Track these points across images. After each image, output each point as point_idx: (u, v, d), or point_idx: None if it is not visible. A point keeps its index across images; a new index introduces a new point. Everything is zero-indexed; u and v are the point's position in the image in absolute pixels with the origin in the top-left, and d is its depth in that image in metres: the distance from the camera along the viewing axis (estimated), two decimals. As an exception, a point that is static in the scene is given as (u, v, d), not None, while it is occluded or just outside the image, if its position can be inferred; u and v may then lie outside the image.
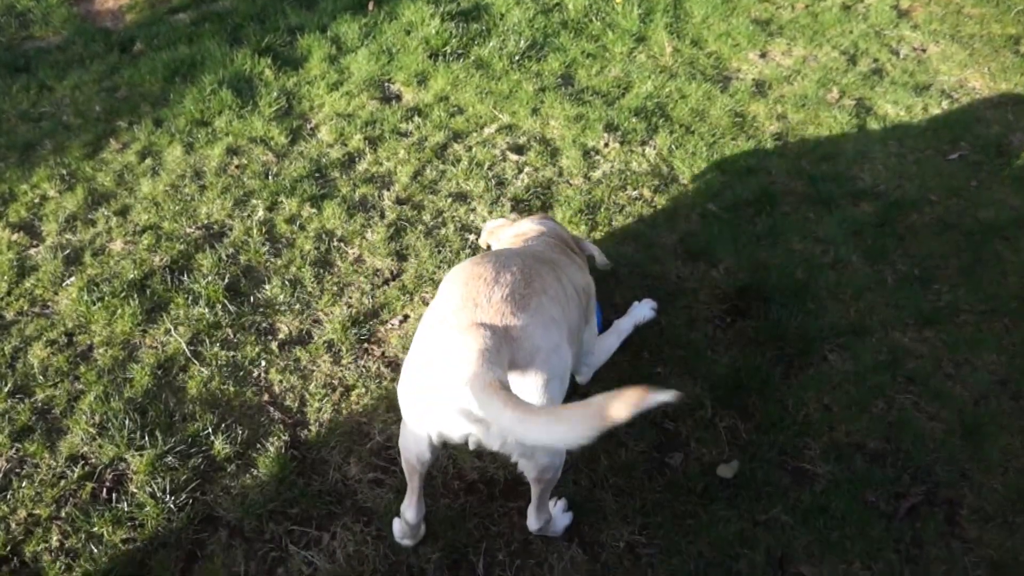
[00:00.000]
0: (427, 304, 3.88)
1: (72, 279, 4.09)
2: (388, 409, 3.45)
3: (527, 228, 3.38)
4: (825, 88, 5.29)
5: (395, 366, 3.64)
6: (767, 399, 3.45)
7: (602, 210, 4.38)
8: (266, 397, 3.54)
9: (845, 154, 4.77)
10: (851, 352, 3.64)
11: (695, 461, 3.25)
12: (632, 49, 5.71)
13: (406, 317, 3.85)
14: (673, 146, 4.81)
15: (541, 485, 2.75)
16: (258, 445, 3.34)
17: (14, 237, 4.35)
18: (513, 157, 4.79)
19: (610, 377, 3.49)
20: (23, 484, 3.23)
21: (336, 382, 3.58)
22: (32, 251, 4.28)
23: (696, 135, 4.89)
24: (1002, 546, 2.97)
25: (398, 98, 5.33)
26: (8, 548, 3.03)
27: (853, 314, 3.81)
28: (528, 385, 2.34)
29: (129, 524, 3.10)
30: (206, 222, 4.40)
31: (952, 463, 3.23)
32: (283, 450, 3.31)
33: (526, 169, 4.70)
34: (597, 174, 4.65)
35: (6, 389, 3.56)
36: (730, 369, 3.55)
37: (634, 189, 4.53)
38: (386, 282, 4.01)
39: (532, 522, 2.92)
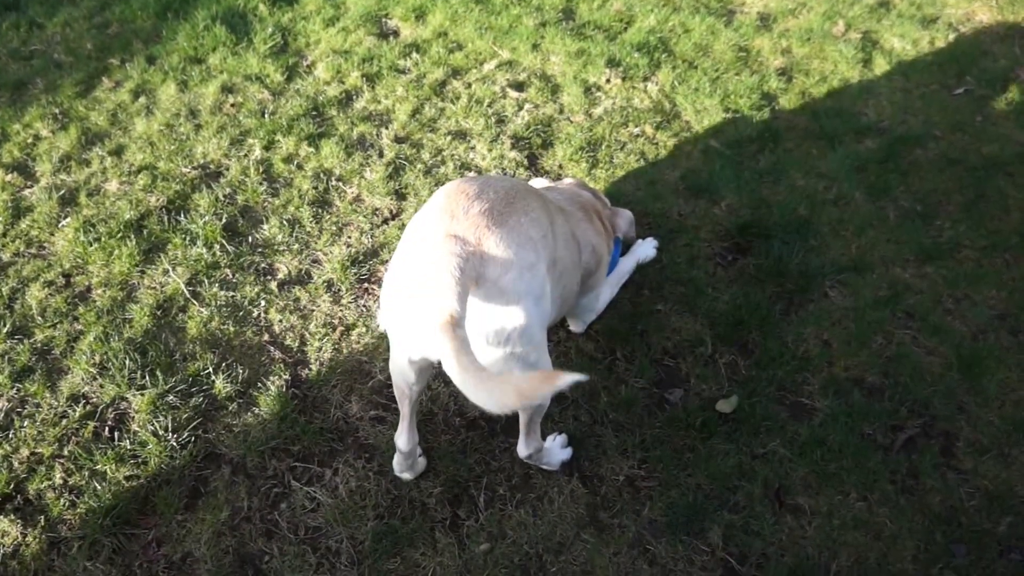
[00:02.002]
0: (426, 242, 3.86)
1: (68, 220, 4.06)
2: (388, 348, 3.44)
3: (560, 184, 3.38)
4: (831, 21, 5.20)
5: (395, 305, 3.63)
6: (767, 335, 3.45)
7: (603, 147, 4.34)
8: (266, 337, 3.54)
9: (850, 89, 4.71)
10: (851, 288, 3.63)
11: (695, 396, 3.26)
12: (633, -18, 5.60)
13: (406, 256, 3.83)
14: (676, 82, 4.75)
15: (527, 413, 2.77)
16: (259, 384, 3.35)
17: (8, 178, 4.31)
18: (513, 94, 4.73)
19: (611, 315, 3.49)
20: (25, 423, 3.25)
21: (336, 321, 3.57)
22: (27, 192, 4.25)
23: (699, 70, 4.82)
24: (997, 477, 2.99)
25: (396, 34, 5.25)
26: (11, 486, 3.07)
27: (854, 250, 3.79)
28: (497, 301, 2.29)
29: (132, 462, 3.13)
30: (202, 162, 4.36)
31: (949, 396, 3.23)
32: (284, 389, 3.32)
33: (526, 106, 4.64)
34: (599, 111, 4.60)
35: (5, 330, 3.57)
36: (731, 306, 3.55)
37: (636, 126, 4.48)
38: (385, 221, 3.99)
39: (521, 448, 2.93)
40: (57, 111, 4.72)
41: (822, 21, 5.20)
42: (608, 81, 4.80)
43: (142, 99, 4.79)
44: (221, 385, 3.33)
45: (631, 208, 3.83)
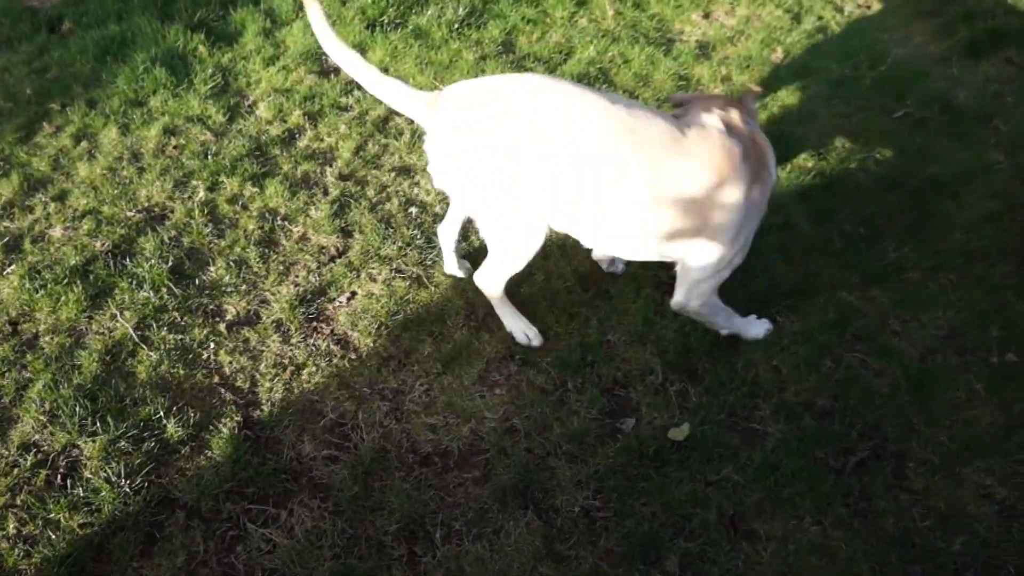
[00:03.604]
0: (374, 280, 3.86)
1: (12, 267, 4.00)
2: (339, 387, 3.44)
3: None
4: (769, 48, 5.31)
5: (344, 343, 3.62)
6: (716, 362, 3.48)
7: (549, 179, 4.37)
8: (216, 379, 3.50)
9: (790, 115, 4.80)
10: (799, 313, 3.68)
11: (647, 425, 3.28)
12: (573, 13, 5.67)
13: (353, 294, 3.83)
14: (618, 112, 4.80)
15: None
16: (211, 427, 3.32)
17: (-51, 227, 4.24)
18: (458, 128, 4.75)
19: (560, 346, 3.52)
20: (-27, 476, 3.18)
21: (286, 361, 3.55)
22: (-32, 240, 4.18)
23: (640, 100, 4.89)
24: (950, 497, 3.04)
25: (336, 71, 5.25)
26: (-39, 541, 3.00)
27: (801, 275, 3.84)
28: None
29: (86, 509, 3.07)
30: (146, 205, 4.32)
31: (899, 418, 3.28)
32: (236, 431, 3.29)
33: (472, 139, 4.66)
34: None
35: (-51, 381, 3.50)
36: (679, 334, 3.58)
37: (581, 156, 4.52)
38: (332, 259, 3.98)
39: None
40: (-2, 157, 4.66)
41: (760, 48, 5.30)
42: (553, 113, 4.83)
43: (84, 143, 4.74)
44: (173, 429, 3.29)
45: (574, 243, 3.87)
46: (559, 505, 3.05)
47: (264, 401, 3.42)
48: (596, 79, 5.04)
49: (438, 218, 4.12)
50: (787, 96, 4.91)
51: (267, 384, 3.47)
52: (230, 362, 3.55)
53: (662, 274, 3.85)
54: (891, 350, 3.52)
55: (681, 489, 3.06)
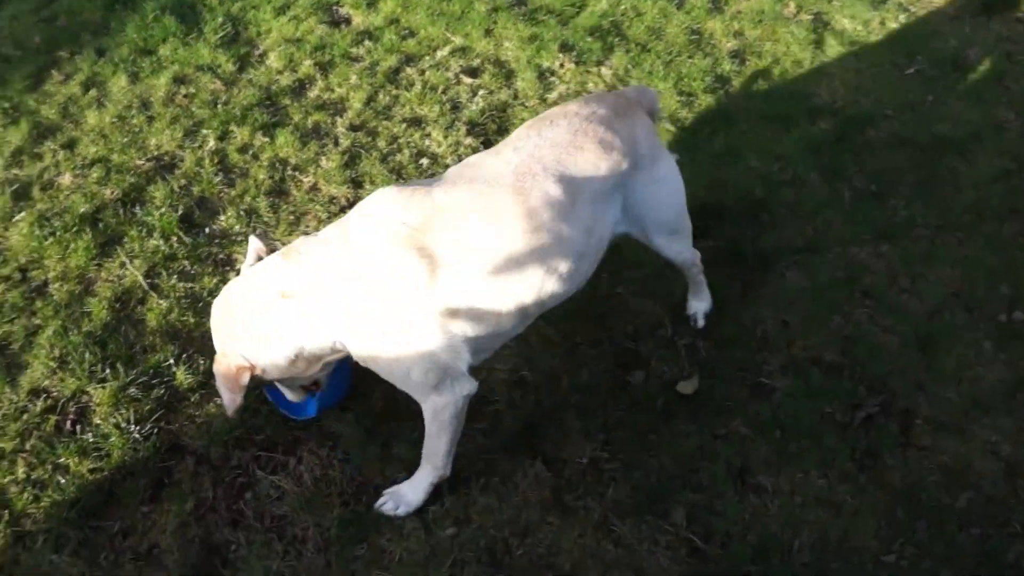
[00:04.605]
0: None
1: (22, 214, 4.00)
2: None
3: None
4: (782, 3, 5.24)
5: (355, 293, 3.63)
6: (725, 317, 3.49)
7: (560, 132, 4.35)
8: (226, 328, 3.51)
9: (802, 71, 4.76)
10: (808, 269, 3.68)
11: (656, 379, 3.30)
12: (587, -33, 5.61)
13: (365, 244, 3.82)
14: (630, 65, 4.77)
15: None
16: (220, 375, 3.33)
17: (-41, 174, 4.24)
18: (467, 80, 4.72)
19: (570, 299, 3.51)
20: (-16, 419, 3.21)
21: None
22: (-22, 186, 4.18)
23: (652, 54, 4.85)
24: (956, 453, 3.06)
25: (347, 21, 5.21)
26: (-26, 482, 3.04)
27: (810, 231, 3.84)
28: None
29: (95, 454, 3.11)
30: (156, 153, 4.30)
31: (907, 374, 3.29)
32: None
33: (481, 92, 4.64)
34: (553, 95, 4.61)
35: (-40, 326, 3.52)
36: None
37: (591, 110, 4.49)
38: (342, 209, 3.97)
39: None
40: (7, 105, 4.63)
41: (773, 3, 5.24)
42: (562, 66, 4.80)
43: (93, 91, 4.71)
44: (182, 376, 3.31)
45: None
46: (567, 456, 3.07)
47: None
48: (609, 33, 4.99)
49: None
50: (799, 51, 4.86)
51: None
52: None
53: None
54: (899, 307, 3.53)
55: (689, 442, 3.08)
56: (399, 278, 2.53)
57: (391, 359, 2.66)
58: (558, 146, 2.73)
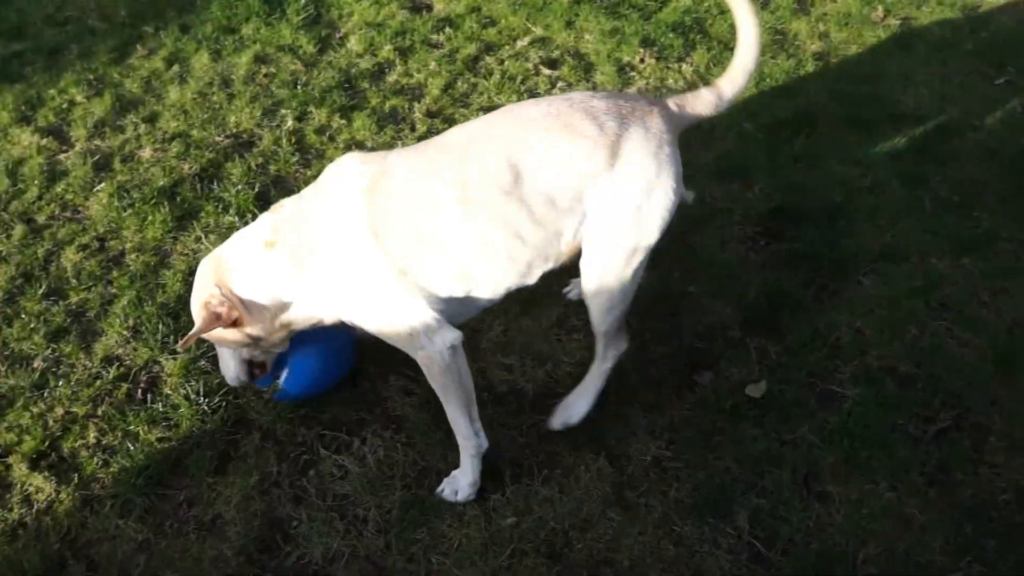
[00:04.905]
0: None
1: (102, 185, 4.09)
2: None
3: None
4: (870, 7, 5.15)
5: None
6: (798, 321, 3.43)
7: (636, 127, 4.31)
8: (297, 306, 3.55)
9: (888, 76, 4.66)
10: (885, 277, 3.59)
11: (724, 380, 3.25)
12: (671, -38, 5.56)
13: (436, 230, 3.83)
14: (711, 63, 4.72)
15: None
16: (289, 352, 3.37)
17: (43, 142, 4.35)
18: (546, 71, 4.71)
19: (641, 295, 3.48)
20: (59, 383, 3.28)
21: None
22: (62, 156, 4.28)
23: (734, 52, 4.77)
24: (1030, 473, 2.97)
25: (429, 8, 5.23)
26: (46, 444, 3.11)
27: (889, 239, 3.75)
28: None
29: (164, 424, 3.16)
30: (235, 131, 4.37)
31: (983, 390, 3.20)
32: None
33: (559, 84, 4.63)
34: (632, 90, 4.57)
35: (41, 291, 3.60)
36: (762, 291, 3.53)
37: (669, 107, 4.45)
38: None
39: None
40: (92, 77, 4.74)
41: (861, 6, 5.14)
42: (642, 61, 4.77)
43: (175, 67, 4.80)
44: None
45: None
46: (631, 453, 3.04)
47: (343, 330, 3.45)
48: (691, 29, 4.93)
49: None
50: (885, 57, 4.76)
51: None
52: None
53: (747, 229, 3.79)
54: (979, 321, 3.43)
55: (756, 446, 3.03)
56: (350, 236, 2.59)
57: (360, 313, 2.73)
58: (524, 122, 2.67)
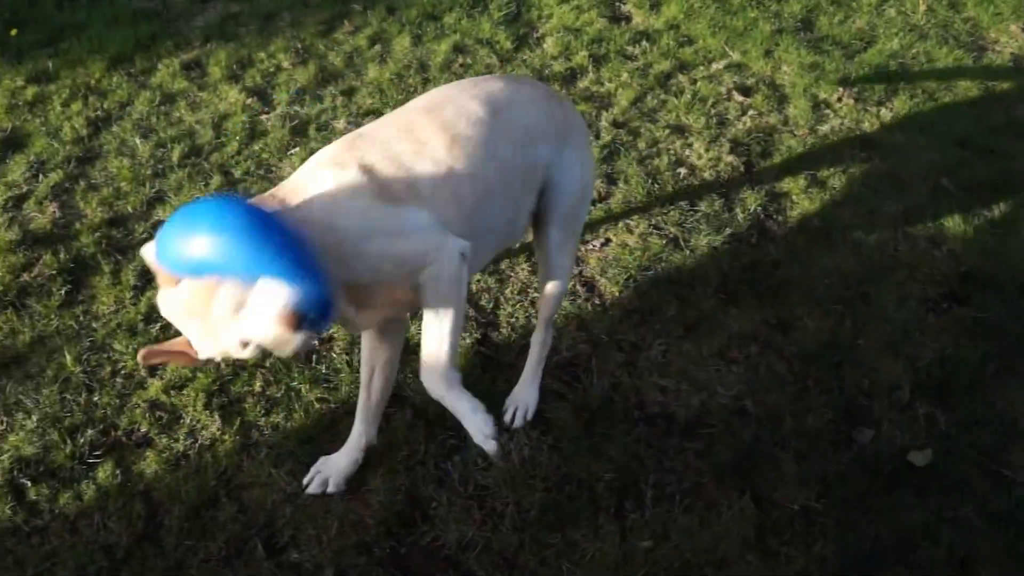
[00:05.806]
0: (630, 231, 3.85)
1: (296, 149, 4.25)
2: (578, 328, 3.47)
3: None
4: (1093, 75, 4.86)
5: (591, 286, 3.64)
6: (974, 395, 3.25)
7: (824, 166, 4.20)
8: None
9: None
10: (1073, 362, 3.38)
11: (886, 442, 3.11)
12: (882, 1, 5.39)
13: (608, 241, 3.83)
14: (911, 111, 4.54)
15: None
16: (450, 337, 3.42)
17: (248, 101, 4.56)
18: (738, 97, 4.64)
19: (808, 341, 3.38)
20: (234, 330, 3.43)
21: (531, 290, 3.60)
22: (263, 116, 4.47)
23: (939, 103, 4.60)
24: None
25: (627, 19, 5.23)
26: (218, 384, 3.27)
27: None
28: None
29: (325, 385, 3.27)
30: (426, 115, 4.46)
31: None
32: (473, 345, 3.38)
33: (750, 112, 4.55)
34: (825, 128, 4.45)
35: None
36: (938, 356, 3.37)
37: (862, 151, 4.31)
38: (593, 203, 3.98)
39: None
40: (299, 46, 4.95)
41: (1084, 75, 4.86)
42: (839, 100, 4.64)
43: (377, 47, 4.96)
44: (414, 330, 3.41)
45: (842, 236, 3.69)
46: (778, 498, 2.95)
47: (503, 324, 3.49)
48: (895, 73, 4.77)
49: (704, 184, 4.06)
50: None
51: (509, 308, 3.54)
52: (479, 280, 3.64)
53: (930, 289, 3.63)
54: None
55: (912, 516, 2.89)
56: (341, 180, 2.39)
57: (367, 245, 2.42)
58: (487, 85, 2.78)
